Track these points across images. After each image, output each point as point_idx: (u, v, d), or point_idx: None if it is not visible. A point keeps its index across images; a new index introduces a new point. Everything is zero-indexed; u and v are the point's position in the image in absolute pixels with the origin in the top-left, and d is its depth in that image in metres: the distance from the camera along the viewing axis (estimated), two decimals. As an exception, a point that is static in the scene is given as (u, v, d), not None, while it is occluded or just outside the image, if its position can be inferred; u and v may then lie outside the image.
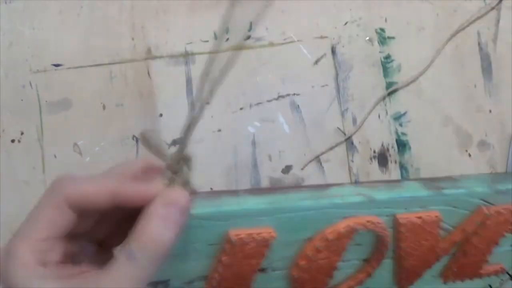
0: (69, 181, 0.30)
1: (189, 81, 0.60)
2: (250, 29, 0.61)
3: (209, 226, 0.34)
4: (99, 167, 0.58)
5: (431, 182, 0.40)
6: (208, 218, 0.34)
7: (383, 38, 0.61)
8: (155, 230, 0.28)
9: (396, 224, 0.39)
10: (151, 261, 0.27)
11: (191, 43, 0.60)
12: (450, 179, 0.41)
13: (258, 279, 0.39)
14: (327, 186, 0.39)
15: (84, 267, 0.31)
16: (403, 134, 0.59)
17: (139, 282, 0.27)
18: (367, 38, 0.61)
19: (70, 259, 0.31)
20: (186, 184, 0.30)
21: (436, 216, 0.39)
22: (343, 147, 0.59)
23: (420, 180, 0.41)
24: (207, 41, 0.61)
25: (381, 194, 0.38)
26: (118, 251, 0.30)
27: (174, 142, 0.57)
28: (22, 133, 0.58)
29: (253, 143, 0.58)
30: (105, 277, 0.27)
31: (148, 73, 0.60)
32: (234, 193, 0.37)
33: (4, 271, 0.28)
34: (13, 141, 0.58)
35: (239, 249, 0.36)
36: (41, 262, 0.29)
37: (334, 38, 0.61)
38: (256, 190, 0.43)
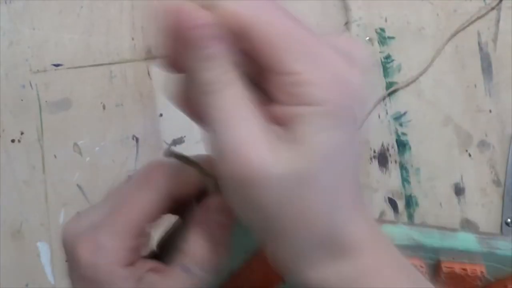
0: (166, 168, 0.29)
1: (189, 81, 0.60)
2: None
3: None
4: (99, 167, 0.58)
5: (486, 239, 0.39)
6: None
7: (383, 38, 0.61)
8: (206, 248, 0.28)
9: (438, 270, 0.38)
10: (204, 273, 0.28)
11: (191, 43, 0.60)
12: (507, 239, 0.40)
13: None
14: (378, 222, 0.38)
15: (146, 262, 0.30)
16: (403, 134, 0.59)
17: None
18: (367, 38, 0.61)
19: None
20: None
21: (482, 272, 0.39)
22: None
23: (475, 234, 0.40)
24: (207, 41, 0.60)
25: (432, 241, 0.37)
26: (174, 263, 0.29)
27: (174, 142, 0.57)
28: (22, 133, 0.58)
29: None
30: (164, 282, 0.28)
31: (148, 73, 0.60)
32: None
33: (92, 264, 0.28)
34: (13, 141, 0.58)
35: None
36: (129, 260, 0.28)
37: (334, 38, 0.61)
38: None
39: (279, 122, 0.24)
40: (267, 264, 0.31)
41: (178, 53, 0.27)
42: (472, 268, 0.38)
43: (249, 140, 0.24)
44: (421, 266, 0.38)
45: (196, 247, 0.28)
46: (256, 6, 0.25)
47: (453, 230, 0.38)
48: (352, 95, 0.25)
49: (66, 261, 0.31)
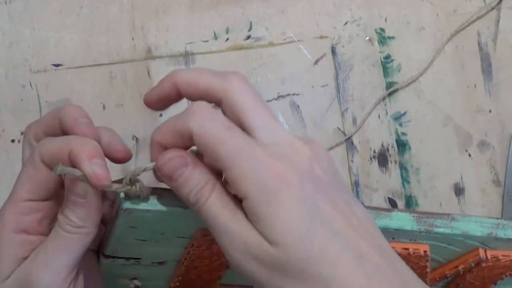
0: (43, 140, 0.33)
1: (189, 81, 0.60)
2: (250, 29, 0.61)
3: (179, 221, 0.35)
4: (99, 167, 0.58)
5: (424, 217, 0.39)
6: (177, 214, 0.34)
7: (383, 38, 0.61)
8: (66, 212, 0.32)
9: None
10: (69, 231, 0.31)
11: (191, 43, 0.60)
12: (446, 217, 0.39)
13: (227, 273, 0.39)
14: None
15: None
16: (403, 134, 0.59)
17: (73, 247, 0.31)
18: (367, 38, 0.61)
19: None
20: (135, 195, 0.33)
21: (425, 251, 0.38)
22: (343, 147, 0.59)
23: (413, 213, 0.39)
24: (207, 41, 0.61)
25: None
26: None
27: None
28: (22, 133, 0.58)
29: (253, 143, 0.58)
30: (47, 241, 0.32)
31: (148, 73, 0.60)
32: None
33: None
34: (13, 141, 0.58)
35: (206, 247, 0.37)
36: (20, 226, 0.32)
37: (334, 38, 0.61)
38: None
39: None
40: (211, 252, 0.36)
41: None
42: (414, 248, 0.38)
43: (234, 232, 0.29)
44: None
45: (60, 211, 0.32)
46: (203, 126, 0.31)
47: (389, 210, 0.38)
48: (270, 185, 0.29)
49: None
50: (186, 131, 0.31)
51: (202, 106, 0.31)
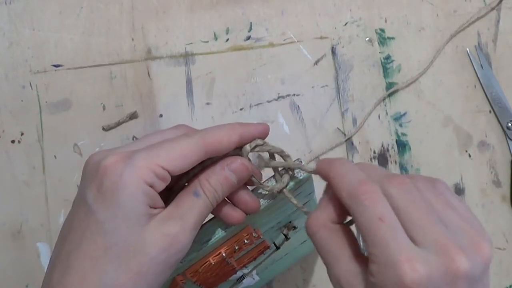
0: (205, 130, 0.35)
1: (189, 82, 0.60)
2: (250, 29, 0.61)
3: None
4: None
5: None
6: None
7: (383, 39, 0.61)
8: (216, 184, 0.34)
9: None
10: (210, 200, 0.34)
11: (191, 43, 0.60)
12: None
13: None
14: None
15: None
16: (403, 134, 0.59)
17: (200, 214, 0.34)
18: (367, 38, 0.61)
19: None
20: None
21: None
22: (343, 148, 0.59)
23: None
24: (207, 41, 0.61)
25: None
26: (184, 191, 0.35)
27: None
28: (22, 134, 0.58)
29: (253, 144, 0.58)
30: (174, 207, 0.33)
31: (148, 73, 0.60)
32: None
33: (117, 172, 0.32)
34: (13, 141, 0.58)
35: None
36: (150, 184, 0.32)
37: (334, 39, 0.61)
38: None
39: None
40: (225, 262, 0.39)
41: None
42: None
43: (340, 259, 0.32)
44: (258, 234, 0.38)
45: (206, 180, 0.34)
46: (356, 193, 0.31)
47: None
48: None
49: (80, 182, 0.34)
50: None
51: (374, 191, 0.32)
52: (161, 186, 0.33)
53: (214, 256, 0.38)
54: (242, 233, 0.38)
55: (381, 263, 0.29)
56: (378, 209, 0.30)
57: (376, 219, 0.30)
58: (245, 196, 0.37)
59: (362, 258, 0.32)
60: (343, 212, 0.33)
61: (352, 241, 0.33)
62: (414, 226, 0.30)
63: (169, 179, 0.33)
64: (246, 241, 0.38)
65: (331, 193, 0.33)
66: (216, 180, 0.34)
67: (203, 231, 0.37)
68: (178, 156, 0.33)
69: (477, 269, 0.29)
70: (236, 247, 0.38)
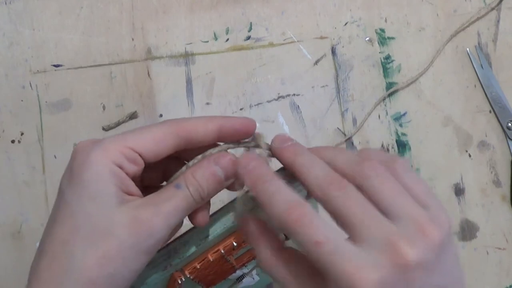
0: (181, 118, 0.35)
1: (189, 82, 0.60)
2: (250, 29, 0.61)
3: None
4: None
5: None
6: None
7: (383, 39, 0.61)
8: (200, 178, 0.34)
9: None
10: (192, 193, 0.34)
11: (191, 43, 0.60)
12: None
13: None
14: None
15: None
16: (403, 134, 0.59)
17: (177, 205, 0.33)
18: (367, 38, 0.61)
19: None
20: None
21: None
22: (343, 148, 0.59)
23: None
24: (207, 41, 0.61)
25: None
26: (167, 184, 0.34)
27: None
28: (22, 134, 0.58)
29: (253, 144, 0.58)
30: (152, 197, 0.33)
31: (148, 73, 0.60)
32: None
33: (85, 153, 0.32)
34: (13, 141, 0.58)
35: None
36: (118, 165, 0.32)
37: (334, 39, 0.61)
38: None
39: None
40: (224, 260, 0.39)
41: None
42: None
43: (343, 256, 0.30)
44: None
45: (191, 174, 0.34)
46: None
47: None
48: None
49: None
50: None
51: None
52: (132, 168, 0.32)
53: (213, 253, 0.38)
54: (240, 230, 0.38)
55: (332, 281, 0.29)
56: (312, 233, 0.29)
57: (314, 244, 0.29)
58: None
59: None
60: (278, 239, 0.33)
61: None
62: (356, 226, 0.30)
63: (141, 162, 0.33)
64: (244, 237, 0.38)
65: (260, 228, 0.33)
66: (201, 174, 0.34)
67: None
68: (149, 139, 0.33)
69: (428, 254, 0.29)
70: (235, 244, 0.38)
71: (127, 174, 0.32)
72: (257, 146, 0.36)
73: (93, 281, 0.30)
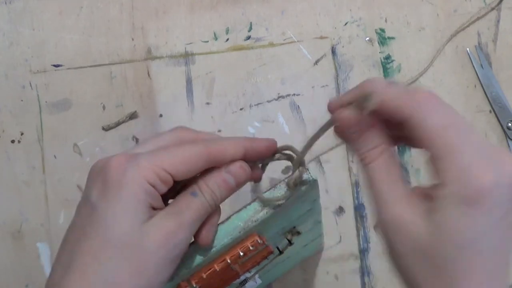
0: (211, 138, 0.36)
1: (189, 82, 0.60)
2: (250, 29, 0.61)
3: None
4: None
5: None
6: None
7: (383, 39, 0.61)
8: (213, 185, 0.35)
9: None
10: (207, 200, 0.35)
11: (191, 43, 0.60)
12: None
13: None
14: None
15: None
16: (403, 134, 0.59)
17: (197, 212, 0.34)
18: (367, 38, 0.61)
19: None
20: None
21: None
22: (343, 148, 0.59)
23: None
24: (207, 41, 0.61)
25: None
26: (182, 192, 0.35)
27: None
28: (22, 134, 0.58)
29: (253, 144, 0.58)
30: (172, 206, 0.34)
31: (148, 73, 0.60)
32: None
33: (121, 170, 0.32)
34: (13, 141, 0.58)
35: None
36: (152, 184, 0.33)
37: (334, 38, 0.61)
38: None
39: (421, 195, 0.32)
40: (229, 268, 0.39)
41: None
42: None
43: (390, 200, 0.31)
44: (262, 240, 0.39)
45: (204, 182, 0.35)
46: (417, 101, 0.30)
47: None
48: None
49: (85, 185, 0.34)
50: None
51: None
52: (163, 188, 0.33)
53: (219, 263, 0.38)
54: (247, 240, 0.38)
55: (454, 169, 0.29)
56: (441, 113, 0.30)
57: (443, 125, 0.30)
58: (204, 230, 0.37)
59: (419, 191, 0.32)
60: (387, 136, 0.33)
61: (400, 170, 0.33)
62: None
63: (171, 182, 0.34)
64: (251, 247, 0.38)
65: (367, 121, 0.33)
66: (214, 182, 0.35)
67: None
68: (181, 161, 0.34)
69: None
70: (241, 254, 0.38)
71: (158, 192, 0.33)
72: (285, 159, 0.38)
73: None
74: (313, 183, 0.38)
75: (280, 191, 0.38)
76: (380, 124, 0.33)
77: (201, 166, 0.34)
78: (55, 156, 0.58)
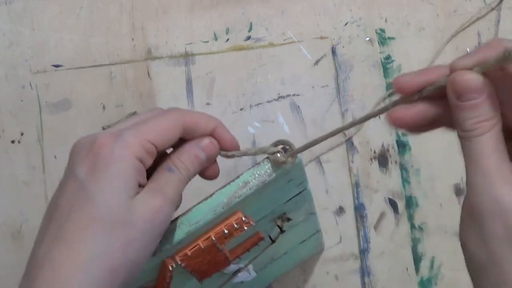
0: (183, 109, 0.37)
1: (189, 82, 0.60)
2: (250, 29, 0.61)
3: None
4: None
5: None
6: None
7: (383, 39, 0.61)
8: (186, 161, 0.36)
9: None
10: (184, 175, 0.36)
11: (191, 43, 0.60)
12: None
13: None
14: None
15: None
16: (403, 134, 0.59)
17: (176, 187, 0.35)
18: (367, 38, 0.61)
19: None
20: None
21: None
22: (343, 148, 0.59)
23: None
24: (207, 41, 0.61)
25: None
26: (158, 168, 0.36)
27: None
28: (22, 134, 0.58)
29: (253, 144, 0.58)
30: (152, 182, 0.35)
31: (148, 73, 0.60)
32: None
33: (109, 148, 0.33)
34: (13, 141, 0.58)
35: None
36: (139, 159, 0.34)
37: (334, 39, 0.61)
38: None
39: None
40: (216, 249, 0.39)
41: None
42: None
43: (497, 181, 0.29)
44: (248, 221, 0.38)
45: (178, 157, 0.36)
46: None
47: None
48: None
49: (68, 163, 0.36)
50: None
51: None
52: (149, 161, 0.34)
53: (204, 240, 0.38)
54: (231, 218, 0.38)
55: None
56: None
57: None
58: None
59: None
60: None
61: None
62: None
63: (155, 154, 0.34)
64: (236, 225, 0.38)
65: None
66: (186, 158, 0.36)
67: (192, 212, 0.37)
68: (163, 130, 0.35)
69: None
70: (226, 232, 0.38)
71: (145, 166, 0.34)
72: (274, 152, 0.39)
73: (114, 269, 0.32)
74: (298, 162, 0.39)
75: (264, 168, 0.38)
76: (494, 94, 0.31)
77: (177, 134, 0.35)
78: (55, 156, 0.58)
